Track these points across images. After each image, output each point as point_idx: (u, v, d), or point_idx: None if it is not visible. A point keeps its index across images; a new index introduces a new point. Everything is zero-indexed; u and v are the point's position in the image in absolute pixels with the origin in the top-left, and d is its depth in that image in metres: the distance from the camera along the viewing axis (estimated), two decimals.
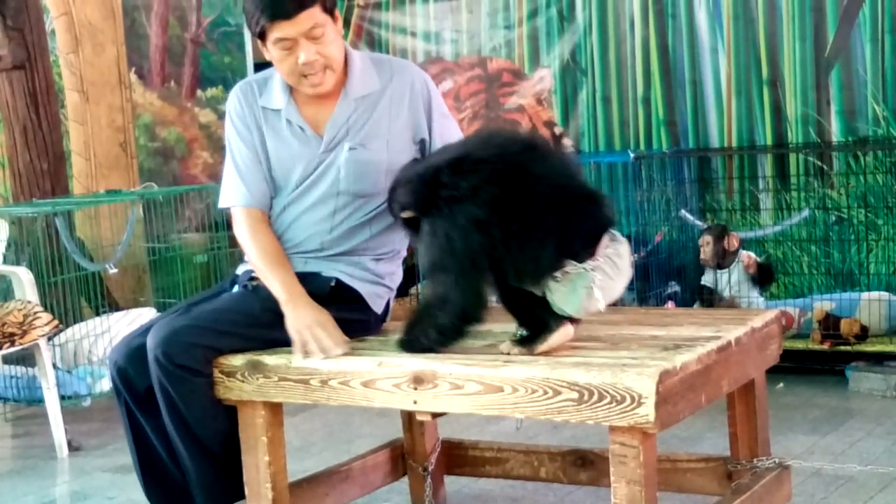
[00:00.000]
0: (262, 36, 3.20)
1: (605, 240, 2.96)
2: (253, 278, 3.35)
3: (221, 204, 3.41)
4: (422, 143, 3.37)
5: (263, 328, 3.18)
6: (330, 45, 3.21)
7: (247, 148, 3.37)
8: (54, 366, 4.94)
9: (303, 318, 3.15)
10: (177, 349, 3.11)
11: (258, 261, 3.29)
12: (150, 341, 3.14)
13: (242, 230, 3.35)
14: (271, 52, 3.23)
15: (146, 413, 3.26)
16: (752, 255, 5.55)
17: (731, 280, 5.51)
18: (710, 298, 5.53)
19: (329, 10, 3.20)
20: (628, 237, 5.66)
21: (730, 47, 5.88)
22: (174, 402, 3.15)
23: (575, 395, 2.71)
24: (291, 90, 3.34)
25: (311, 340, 3.11)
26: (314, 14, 3.15)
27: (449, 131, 3.40)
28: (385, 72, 3.36)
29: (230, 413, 3.21)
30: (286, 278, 3.24)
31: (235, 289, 3.40)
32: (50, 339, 4.94)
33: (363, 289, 3.31)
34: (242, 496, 3.23)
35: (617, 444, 2.71)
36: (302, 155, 3.32)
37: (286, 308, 3.18)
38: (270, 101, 3.36)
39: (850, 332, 5.24)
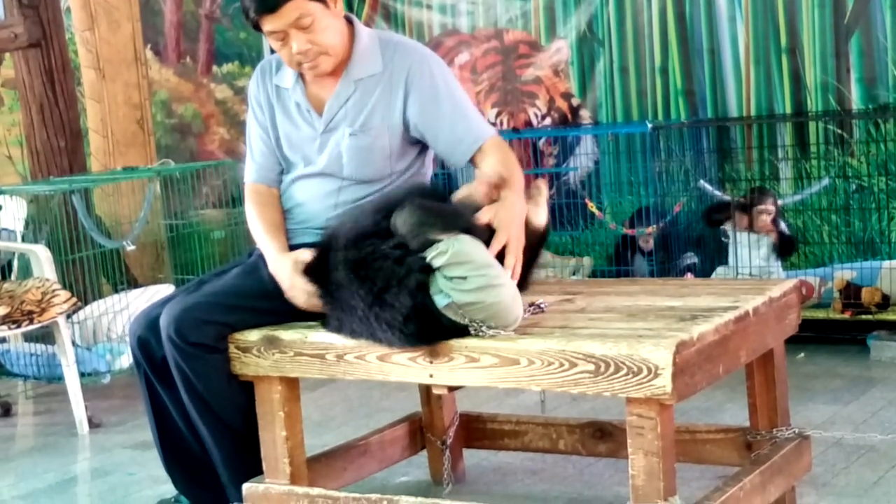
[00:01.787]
0: (257, 28, 3.24)
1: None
2: None
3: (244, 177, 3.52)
4: (416, 134, 3.32)
5: (273, 299, 3.18)
6: (322, 32, 3.20)
7: (259, 127, 3.44)
8: (74, 343, 4.95)
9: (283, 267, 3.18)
10: (189, 326, 3.12)
11: (253, 226, 3.37)
12: (163, 320, 3.16)
13: (247, 203, 3.43)
14: (270, 42, 3.26)
15: (165, 384, 3.29)
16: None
17: (759, 249, 5.48)
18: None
19: None
20: (647, 208, 5.71)
21: (748, 15, 5.82)
22: (190, 380, 3.16)
23: (591, 367, 2.69)
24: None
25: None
26: (299, 5, 3.14)
27: (456, 117, 3.28)
28: (388, 53, 3.31)
29: (247, 388, 3.21)
30: (271, 239, 3.29)
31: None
32: (69, 316, 4.95)
33: None
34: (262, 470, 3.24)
35: (634, 416, 2.69)
36: (306, 135, 3.36)
37: (272, 265, 3.22)
38: (282, 80, 3.40)
39: (871, 300, 5.21)
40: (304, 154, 3.36)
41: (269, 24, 3.17)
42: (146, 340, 3.28)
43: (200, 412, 3.22)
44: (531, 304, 3.13)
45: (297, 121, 3.37)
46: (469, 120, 3.30)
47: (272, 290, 3.19)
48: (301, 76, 3.36)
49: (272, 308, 3.18)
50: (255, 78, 3.46)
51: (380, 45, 3.34)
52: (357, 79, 3.30)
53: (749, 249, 5.46)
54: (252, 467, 3.25)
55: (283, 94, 3.39)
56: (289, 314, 3.18)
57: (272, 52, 3.41)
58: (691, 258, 5.68)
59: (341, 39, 3.27)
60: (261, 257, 3.33)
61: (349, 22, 3.35)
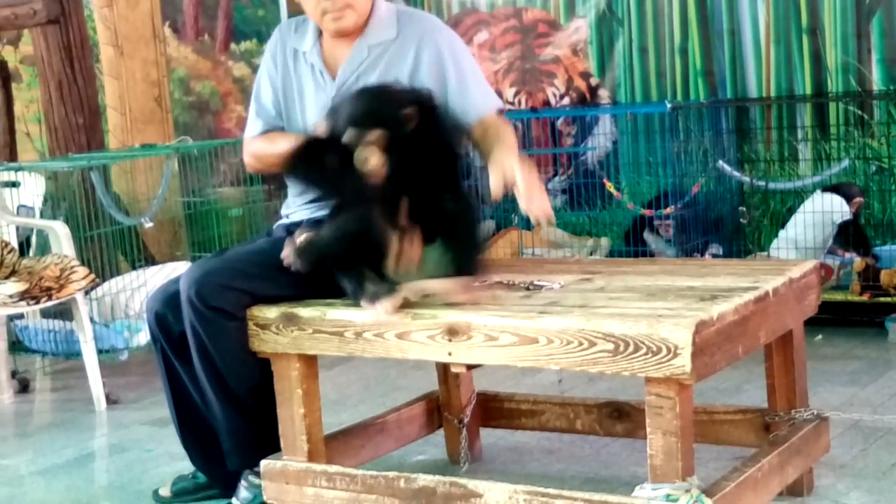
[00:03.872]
0: None
1: None
2: (289, 227, 3.36)
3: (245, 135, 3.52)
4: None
5: (297, 273, 3.17)
6: None
7: (270, 85, 3.45)
8: (91, 320, 4.96)
9: None
10: (210, 290, 3.12)
11: (271, 146, 3.36)
12: (184, 282, 3.15)
13: (255, 146, 3.44)
14: None
15: (182, 360, 3.29)
16: None
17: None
18: None
19: None
20: (666, 193, 5.69)
21: None
22: (205, 346, 3.16)
23: (610, 347, 2.69)
24: (320, 34, 3.38)
25: None
26: None
27: (461, 89, 3.32)
28: (404, 21, 3.37)
29: (261, 362, 3.21)
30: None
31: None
32: (87, 293, 4.96)
33: None
34: (272, 449, 3.24)
35: (653, 396, 2.69)
36: (318, 98, 3.36)
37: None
38: (301, 43, 3.42)
39: (890, 283, 5.19)
40: (315, 115, 3.34)
41: None
42: (163, 316, 3.29)
43: (211, 380, 3.22)
44: (532, 284, 3.13)
45: (309, 82, 3.38)
46: (471, 94, 3.32)
47: None
48: (319, 40, 3.37)
49: (294, 280, 3.16)
50: (276, 36, 3.49)
51: (396, 15, 3.40)
52: (371, 44, 3.34)
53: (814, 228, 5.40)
54: (256, 438, 3.26)
55: (300, 57, 3.41)
56: (310, 288, 3.17)
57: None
58: (716, 249, 5.64)
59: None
60: (291, 234, 3.32)
61: None
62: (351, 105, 2.99)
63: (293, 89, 3.41)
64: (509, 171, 2.96)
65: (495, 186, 2.96)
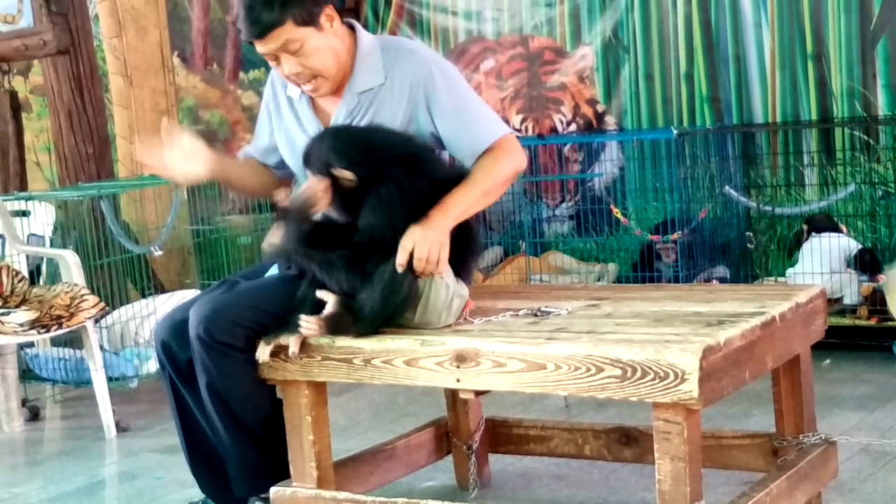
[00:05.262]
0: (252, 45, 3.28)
1: None
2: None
3: None
4: (432, 136, 3.30)
5: (308, 311, 3.18)
6: (311, 56, 3.20)
7: (261, 130, 3.53)
8: (101, 348, 4.98)
9: None
10: (219, 326, 3.13)
11: (243, 175, 3.58)
12: (193, 318, 3.16)
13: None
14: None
15: (190, 387, 3.30)
16: None
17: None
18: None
19: (308, 22, 3.16)
20: (672, 220, 5.70)
21: (773, 21, 5.81)
22: (214, 380, 3.18)
23: (618, 372, 2.70)
24: None
25: None
26: (285, 32, 3.15)
27: (459, 123, 3.25)
28: (390, 60, 3.29)
29: (270, 392, 3.23)
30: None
31: (274, 268, 3.42)
32: (97, 321, 4.98)
33: None
34: (280, 474, 3.25)
35: (661, 421, 2.70)
36: None
37: None
38: (292, 89, 3.39)
39: None
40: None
41: (259, 47, 3.22)
42: (170, 344, 3.30)
43: (220, 413, 3.23)
44: (539, 310, 3.15)
45: (299, 132, 3.37)
46: (475, 122, 3.27)
47: (307, 303, 3.19)
48: None
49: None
50: (270, 82, 3.49)
51: (381, 53, 3.31)
52: (360, 91, 3.29)
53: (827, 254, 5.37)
54: (264, 465, 3.27)
55: (293, 103, 3.41)
56: None
57: None
58: (723, 272, 5.64)
59: (336, 59, 3.25)
60: (298, 269, 3.33)
61: (352, 28, 3.34)
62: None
63: (294, 135, 3.40)
64: (402, 254, 3.03)
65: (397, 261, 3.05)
